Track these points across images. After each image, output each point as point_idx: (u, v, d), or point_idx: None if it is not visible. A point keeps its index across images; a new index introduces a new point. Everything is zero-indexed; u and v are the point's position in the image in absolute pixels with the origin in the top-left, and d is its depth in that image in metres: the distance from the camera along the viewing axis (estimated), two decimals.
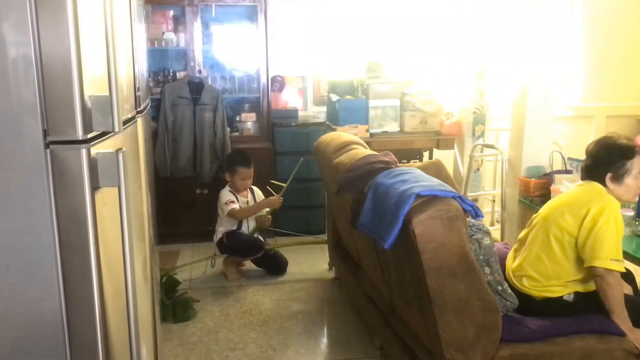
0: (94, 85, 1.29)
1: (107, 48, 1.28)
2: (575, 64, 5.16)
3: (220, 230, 3.94)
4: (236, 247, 3.92)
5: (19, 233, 1.23)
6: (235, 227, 3.93)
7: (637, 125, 5.40)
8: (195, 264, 4.10)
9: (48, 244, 1.24)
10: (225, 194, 3.91)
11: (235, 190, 3.94)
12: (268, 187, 4.04)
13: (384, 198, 2.26)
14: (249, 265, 4.12)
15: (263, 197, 4.06)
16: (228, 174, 3.94)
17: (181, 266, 4.04)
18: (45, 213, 1.22)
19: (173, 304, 3.32)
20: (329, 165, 3.12)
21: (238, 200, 3.90)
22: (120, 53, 1.46)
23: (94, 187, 1.26)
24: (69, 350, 1.30)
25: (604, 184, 2.39)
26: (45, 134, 1.21)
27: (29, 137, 1.20)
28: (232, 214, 3.84)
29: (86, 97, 1.23)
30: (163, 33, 4.47)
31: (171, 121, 4.38)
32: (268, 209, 4.01)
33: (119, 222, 1.36)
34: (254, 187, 4.07)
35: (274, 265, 4.02)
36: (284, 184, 3.97)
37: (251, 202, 3.99)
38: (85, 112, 1.23)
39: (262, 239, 4.05)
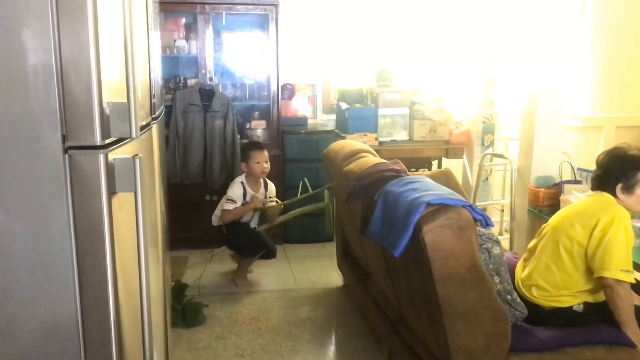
0: (111, 91, 1.31)
1: (126, 55, 1.30)
2: (585, 73, 5.15)
3: (217, 214, 3.90)
4: (237, 242, 3.89)
5: (36, 237, 1.25)
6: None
7: None
8: (196, 266, 4.11)
9: (65, 247, 1.26)
10: (234, 189, 3.84)
11: (254, 178, 3.88)
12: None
13: (394, 206, 2.26)
14: (257, 271, 4.13)
15: (273, 196, 4.03)
16: (243, 164, 3.90)
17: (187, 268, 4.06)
18: (63, 217, 1.24)
19: (183, 309, 3.33)
20: (339, 173, 3.13)
21: (246, 194, 3.85)
22: (138, 60, 1.49)
23: (111, 192, 1.28)
24: (83, 354, 1.31)
25: (614, 194, 2.39)
26: (64, 139, 1.23)
27: (48, 142, 1.22)
28: (222, 215, 3.82)
29: (104, 104, 1.25)
30: (175, 40, 4.51)
31: (182, 128, 4.41)
32: (274, 202, 3.99)
33: (134, 227, 1.38)
34: (269, 182, 4.04)
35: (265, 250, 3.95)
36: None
37: (263, 197, 3.95)
38: (104, 118, 1.25)
39: (264, 236, 3.95)
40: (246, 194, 3.87)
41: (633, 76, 5.21)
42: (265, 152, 3.91)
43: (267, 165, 3.89)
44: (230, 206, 3.80)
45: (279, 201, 4.04)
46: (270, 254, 3.92)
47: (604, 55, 5.10)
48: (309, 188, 3.95)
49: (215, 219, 3.92)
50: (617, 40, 5.07)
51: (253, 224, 3.98)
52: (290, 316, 3.47)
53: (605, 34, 5.02)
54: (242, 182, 3.88)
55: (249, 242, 3.89)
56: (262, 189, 3.97)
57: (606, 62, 5.12)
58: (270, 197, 4.01)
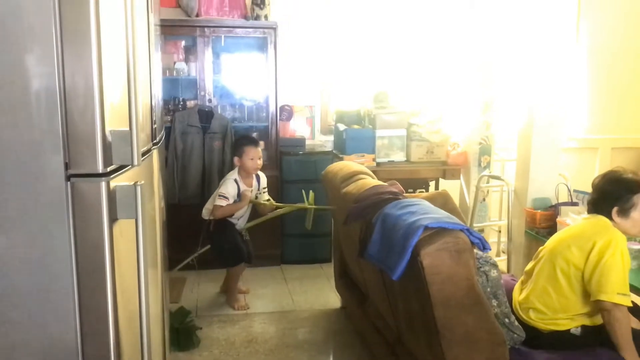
0: (114, 118, 1.32)
1: (129, 83, 1.32)
2: (580, 95, 5.21)
3: (209, 208, 3.89)
4: (220, 243, 3.88)
5: (38, 262, 1.26)
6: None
7: None
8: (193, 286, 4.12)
9: (66, 273, 1.27)
10: (227, 186, 3.82)
11: (246, 173, 3.88)
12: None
13: (392, 229, 2.28)
14: (254, 292, 4.13)
15: (265, 186, 4.04)
16: (237, 158, 3.89)
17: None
18: (64, 244, 1.25)
19: (177, 331, 3.33)
20: (337, 194, 3.15)
21: (239, 192, 3.85)
22: (140, 87, 1.51)
23: (112, 219, 1.29)
24: None
25: (610, 217, 2.40)
26: (67, 166, 1.24)
27: (51, 170, 1.23)
28: (213, 210, 3.80)
29: (107, 131, 1.27)
30: (174, 62, 4.56)
31: (181, 149, 4.44)
32: (268, 198, 4.00)
33: (134, 252, 1.39)
34: (261, 174, 4.03)
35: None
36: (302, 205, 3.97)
37: (255, 190, 3.96)
38: (106, 146, 1.27)
39: (246, 245, 3.98)
40: (239, 191, 3.86)
41: (628, 98, 5.27)
42: (259, 148, 3.92)
43: (260, 162, 3.90)
44: (222, 202, 3.78)
45: (272, 199, 4.04)
46: (249, 258, 3.97)
47: (598, 76, 5.16)
48: (305, 199, 3.97)
49: (205, 212, 3.90)
50: (611, 62, 5.14)
51: (243, 221, 3.96)
52: (288, 338, 3.46)
53: (600, 55, 5.10)
54: (235, 180, 3.86)
55: (231, 249, 3.87)
56: (254, 182, 3.98)
57: (601, 84, 5.18)
58: (263, 188, 4.03)
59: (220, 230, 3.87)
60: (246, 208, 3.95)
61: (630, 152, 5.37)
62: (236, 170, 3.91)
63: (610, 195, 2.42)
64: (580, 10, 4.98)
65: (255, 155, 3.86)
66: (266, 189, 4.09)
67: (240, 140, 3.99)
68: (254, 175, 3.96)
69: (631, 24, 5.13)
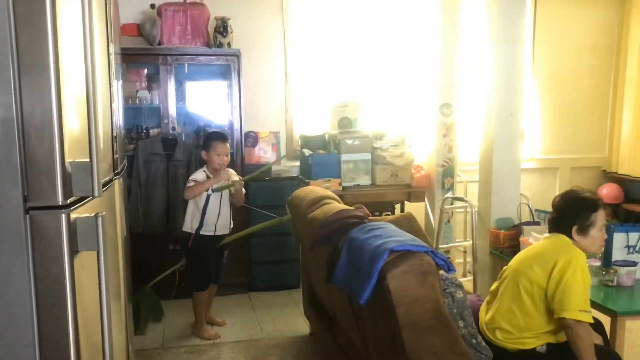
0: (74, 148, 1.30)
1: (89, 114, 1.30)
2: (539, 119, 5.41)
3: (189, 217, 3.82)
4: (196, 259, 3.83)
5: None
6: (198, 221, 3.79)
7: (601, 176, 5.61)
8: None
9: (25, 308, 1.24)
10: (196, 174, 3.80)
11: (212, 170, 3.82)
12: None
13: (358, 253, 2.29)
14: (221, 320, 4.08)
15: (235, 176, 3.97)
16: (204, 152, 3.83)
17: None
18: (24, 279, 1.23)
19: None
20: (304, 220, 3.15)
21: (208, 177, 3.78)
22: (101, 117, 1.50)
23: (73, 252, 1.27)
24: None
25: (570, 236, 2.46)
26: (25, 199, 1.22)
27: (9, 203, 1.21)
28: (185, 192, 3.75)
29: (67, 163, 1.25)
30: (137, 91, 4.52)
31: (144, 178, 4.38)
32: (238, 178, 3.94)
33: (96, 284, 1.36)
34: (231, 170, 3.97)
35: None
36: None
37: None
38: (66, 178, 1.25)
39: (219, 270, 3.96)
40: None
41: (583, 121, 5.52)
42: (227, 145, 3.87)
43: (227, 158, 3.85)
44: (191, 184, 3.74)
45: (240, 177, 3.99)
46: (215, 282, 3.97)
47: (556, 101, 5.46)
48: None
49: (185, 226, 3.86)
50: (566, 88, 5.49)
51: (222, 224, 3.87)
52: None
53: (554, 83, 5.46)
54: (204, 170, 3.82)
55: (200, 272, 3.83)
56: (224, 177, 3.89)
57: (559, 107, 5.47)
58: (231, 179, 3.93)
59: (196, 249, 3.81)
60: (221, 209, 3.85)
61: (589, 171, 5.58)
62: (204, 166, 3.86)
63: (569, 214, 2.48)
64: (535, 42, 5.27)
65: (222, 151, 3.80)
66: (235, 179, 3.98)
67: (210, 134, 3.97)
68: (223, 170, 3.86)
69: (581, 54, 5.50)
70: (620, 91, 5.46)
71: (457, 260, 4.90)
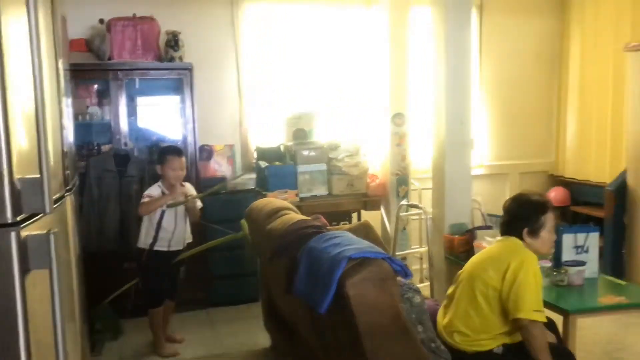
0: (23, 164, 1.27)
1: (38, 128, 1.28)
2: (488, 126, 5.57)
3: (143, 233, 3.76)
4: (148, 284, 3.78)
5: None
6: (152, 236, 3.73)
7: (548, 180, 5.81)
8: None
9: None
10: (151, 189, 3.72)
11: (167, 185, 3.76)
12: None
13: (317, 263, 2.30)
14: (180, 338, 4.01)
15: (192, 191, 3.93)
16: (159, 166, 3.77)
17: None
18: None
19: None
20: (262, 231, 3.14)
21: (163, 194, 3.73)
22: (50, 132, 1.47)
23: (24, 271, 1.23)
24: None
25: (521, 238, 2.54)
26: None
27: None
28: (139, 208, 3.68)
29: (15, 180, 1.22)
30: (87, 107, 4.43)
31: (97, 195, 4.29)
32: (198, 202, 3.91)
33: (49, 304, 1.33)
34: (187, 184, 3.93)
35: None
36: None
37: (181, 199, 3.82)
38: (15, 194, 1.21)
39: (174, 285, 3.91)
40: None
41: (530, 127, 5.71)
42: (183, 159, 3.82)
43: (182, 173, 3.80)
44: (146, 199, 3.66)
45: (198, 194, 3.96)
46: (171, 299, 3.93)
47: (504, 109, 5.60)
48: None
49: (140, 242, 3.80)
50: (513, 96, 5.66)
51: (181, 222, 3.81)
52: None
53: (501, 92, 5.63)
54: (159, 186, 3.76)
55: (154, 289, 3.78)
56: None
57: (507, 115, 5.62)
58: (187, 196, 3.88)
59: (149, 265, 3.75)
60: (177, 224, 3.79)
61: (537, 176, 5.77)
62: (160, 181, 3.80)
63: (520, 217, 2.56)
64: (481, 52, 5.45)
65: (177, 166, 3.76)
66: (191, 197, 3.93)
67: (164, 149, 3.92)
68: (178, 186, 3.82)
69: (525, 63, 5.70)
70: (564, 98, 5.68)
71: (414, 266, 4.97)
